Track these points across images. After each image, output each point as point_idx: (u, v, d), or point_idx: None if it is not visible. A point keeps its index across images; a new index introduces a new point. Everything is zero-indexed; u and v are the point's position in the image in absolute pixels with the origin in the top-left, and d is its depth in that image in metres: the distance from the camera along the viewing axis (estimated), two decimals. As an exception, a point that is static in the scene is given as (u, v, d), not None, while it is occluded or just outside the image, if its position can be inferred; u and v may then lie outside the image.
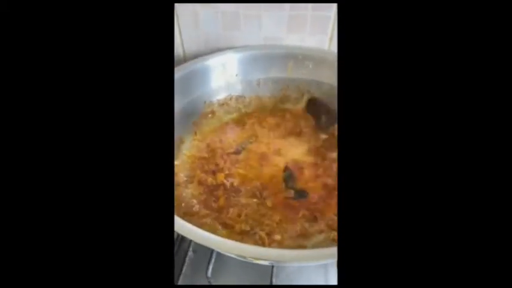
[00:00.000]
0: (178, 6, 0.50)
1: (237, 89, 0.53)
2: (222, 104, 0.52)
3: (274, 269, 0.36)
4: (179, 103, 0.46)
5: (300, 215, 0.38)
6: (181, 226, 0.29)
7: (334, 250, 0.28)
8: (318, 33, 0.51)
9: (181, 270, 0.38)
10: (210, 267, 0.37)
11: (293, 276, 0.38)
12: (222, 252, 0.29)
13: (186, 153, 0.46)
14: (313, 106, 0.52)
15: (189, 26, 0.52)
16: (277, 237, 0.36)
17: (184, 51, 0.55)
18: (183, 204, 0.39)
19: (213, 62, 0.50)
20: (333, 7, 0.48)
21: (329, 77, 0.50)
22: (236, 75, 0.52)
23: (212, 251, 0.37)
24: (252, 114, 0.53)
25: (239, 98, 0.53)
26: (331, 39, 0.52)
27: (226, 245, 0.29)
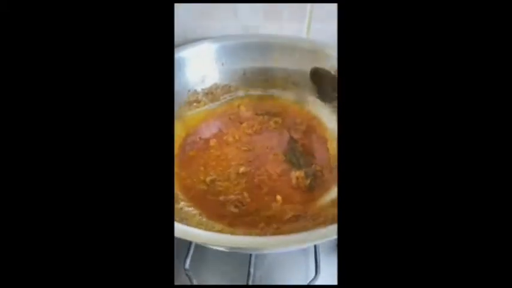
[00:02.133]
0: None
1: (220, 78, 0.52)
2: (206, 93, 0.51)
3: (253, 257, 0.36)
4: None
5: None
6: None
7: (311, 234, 0.28)
8: (296, 21, 0.51)
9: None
10: (188, 259, 0.36)
11: (273, 264, 0.38)
12: (201, 243, 0.28)
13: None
14: (317, 76, 0.49)
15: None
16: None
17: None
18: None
19: (191, 53, 0.49)
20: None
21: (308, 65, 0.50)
22: (222, 64, 0.51)
23: (190, 242, 0.37)
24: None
25: (224, 87, 0.52)
26: (308, 27, 0.51)
27: (204, 236, 0.28)
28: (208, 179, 0.42)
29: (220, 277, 0.37)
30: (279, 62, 0.51)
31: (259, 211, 0.38)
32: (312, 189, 0.40)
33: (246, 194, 0.40)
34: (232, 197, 0.40)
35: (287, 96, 0.52)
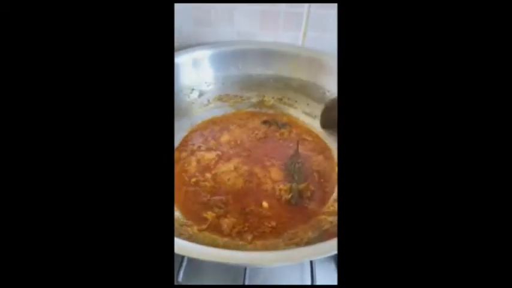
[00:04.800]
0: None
1: (215, 87, 0.52)
2: (216, 97, 0.51)
3: (248, 270, 0.35)
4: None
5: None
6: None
7: (306, 250, 0.28)
8: (291, 29, 0.50)
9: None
10: (181, 272, 0.35)
11: (268, 276, 0.37)
12: (194, 257, 0.28)
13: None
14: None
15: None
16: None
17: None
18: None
19: (184, 59, 0.48)
20: (305, 4, 0.47)
21: (303, 73, 0.50)
22: (239, 68, 0.51)
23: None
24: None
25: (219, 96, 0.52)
26: (304, 35, 0.51)
27: (197, 250, 0.28)
28: (193, 180, 0.42)
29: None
30: (292, 72, 0.51)
31: (242, 213, 0.38)
32: (290, 204, 0.40)
33: (230, 196, 0.40)
34: (216, 197, 0.40)
35: (298, 107, 0.52)
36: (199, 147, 0.46)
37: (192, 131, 0.49)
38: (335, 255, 0.32)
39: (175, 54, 0.48)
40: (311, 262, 0.36)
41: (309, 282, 0.35)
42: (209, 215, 0.38)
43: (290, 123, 0.50)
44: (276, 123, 0.50)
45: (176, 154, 0.45)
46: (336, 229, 0.37)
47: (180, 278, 0.35)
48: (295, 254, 0.28)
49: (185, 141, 0.47)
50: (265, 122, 0.50)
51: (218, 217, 0.38)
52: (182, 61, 0.48)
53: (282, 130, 0.49)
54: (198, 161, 0.44)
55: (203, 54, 0.49)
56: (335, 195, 0.41)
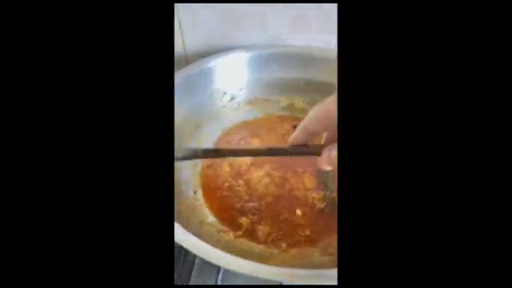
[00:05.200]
0: (178, 6, 0.48)
1: (247, 90, 0.52)
2: (247, 101, 0.52)
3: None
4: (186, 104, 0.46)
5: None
6: (185, 239, 0.29)
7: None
8: (324, 33, 0.50)
9: (188, 279, 0.38)
10: (220, 276, 0.36)
11: None
12: (228, 268, 0.28)
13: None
14: None
15: (189, 26, 0.50)
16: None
17: (185, 51, 0.54)
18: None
19: (218, 63, 0.48)
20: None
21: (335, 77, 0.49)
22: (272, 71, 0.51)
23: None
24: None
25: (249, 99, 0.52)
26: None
27: (231, 262, 0.28)
28: (226, 184, 0.42)
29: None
30: (323, 75, 0.50)
31: (276, 221, 0.39)
32: (324, 213, 0.40)
33: (263, 202, 0.40)
34: (249, 204, 0.40)
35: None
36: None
37: (223, 135, 0.49)
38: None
39: (208, 57, 0.48)
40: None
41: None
42: (244, 221, 0.39)
43: (321, 128, 0.50)
44: (307, 128, 0.50)
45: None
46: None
47: (219, 280, 0.36)
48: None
49: (216, 145, 0.48)
50: (295, 127, 0.50)
51: (253, 223, 0.39)
52: (215, 65, 0.48)
53: (313, 135, 0.49)
54: (231, 166, 0.45)
55: (237, 58, 0.49)
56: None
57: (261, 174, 0.44)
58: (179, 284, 0.37)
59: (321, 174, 0.44)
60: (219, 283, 0.36)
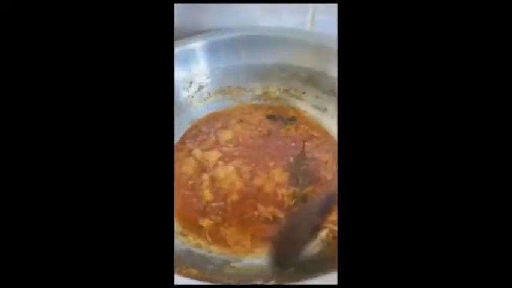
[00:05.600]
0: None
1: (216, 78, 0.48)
2: (215, 90, 0.48)
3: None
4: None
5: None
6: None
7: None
8: (298, 13, 0.45)
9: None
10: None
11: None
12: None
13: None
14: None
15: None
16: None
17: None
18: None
19: (181, 49, 0.44)
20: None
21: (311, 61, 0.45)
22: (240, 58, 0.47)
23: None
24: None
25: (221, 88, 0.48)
26: (312, 19, 0.46)
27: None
28: (190, 183, 0.39)
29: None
30: (299, 60, 0.46)
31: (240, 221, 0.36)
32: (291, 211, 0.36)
33: (229, 200, 0.37)
34: (214, 204, 0.37)
35: (306, 100, 0.47)
36: (199, 145, 0.43)
37: (192, 128, 0.46)
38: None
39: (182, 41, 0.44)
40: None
41: None
42: (206, 222, 0.36)
43: (297, 118, 0.46)
44: (282, 118, 0.46)
45: (176, 154, 0.43)
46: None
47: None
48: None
49: (184, 139, 0.45)
50: (269, 117, 0.47)
51: (216, 225, 0.36)
52: (178, 52, 0.44)
53: (288, 126, 0.45)
54: (198, 162, 0.42)
55: (200, 44, 0.45)
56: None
57: (228, 170, 0.40)
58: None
59: (292, 169, 0.40)
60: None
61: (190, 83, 0.47)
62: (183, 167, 0.41)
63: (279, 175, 0.40)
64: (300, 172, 0.40)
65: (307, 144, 0.43)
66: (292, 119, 0.46)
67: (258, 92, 0.49)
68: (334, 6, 0.43)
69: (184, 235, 0.35)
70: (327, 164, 0.41)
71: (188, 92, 0.47)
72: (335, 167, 0.40)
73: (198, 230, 0.36)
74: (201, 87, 0.47)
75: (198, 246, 0.35)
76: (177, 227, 0.36)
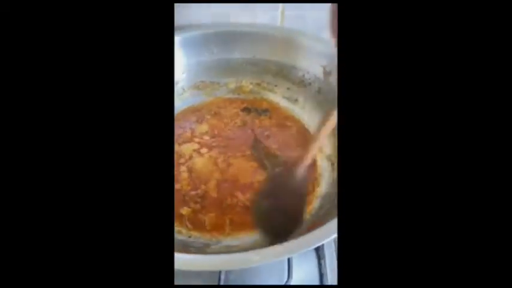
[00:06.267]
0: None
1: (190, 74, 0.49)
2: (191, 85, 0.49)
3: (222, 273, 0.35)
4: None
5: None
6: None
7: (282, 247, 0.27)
8: (269, 8, 0.47)
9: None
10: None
11: (244, 276, 0.37)
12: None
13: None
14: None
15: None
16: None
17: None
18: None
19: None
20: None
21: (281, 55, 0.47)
22: (213, 53, 0.48)
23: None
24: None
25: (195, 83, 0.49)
26: (282, 14, 0.48)
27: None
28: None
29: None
30: (269, 54, 0.48)
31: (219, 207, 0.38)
32: None
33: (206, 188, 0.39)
34: (192, 192, 0.39)
35: (278, 92, 0.49)
36: (176, 140, 0.44)
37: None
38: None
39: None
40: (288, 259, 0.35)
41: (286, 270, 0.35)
42: (185, 210, 0.37)
43: (270, 109, 0.48)
44: (256, 109, 0.48)
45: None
46: (314, 219, 0.36)
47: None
48: (270, 252, 0.27)
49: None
50: (244, 109, 0.48)
51: (195, 212, 0.37)
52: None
53: (262, 117, 0.47)
54: (176, 155, 0.43)
55: (176, 39, 0.46)
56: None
57: (205, 160, 0.42)
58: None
59: (255, 156, 0.42)
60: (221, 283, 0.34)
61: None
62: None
63: (249, 164, 0.42)
64: (262, 156, 0.42)
65: (281, 133, 0.45)
66: (266, 110, 0.48)
67: (232, 86, 0.51)
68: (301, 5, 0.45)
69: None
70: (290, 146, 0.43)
71: (163, 87, 0.48)
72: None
73: (179, 218, 0.37)
74: (176, 83, 0.48)
75: (179, 232, 0.36)
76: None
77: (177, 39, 0.46)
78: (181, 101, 0.49)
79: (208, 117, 0.47)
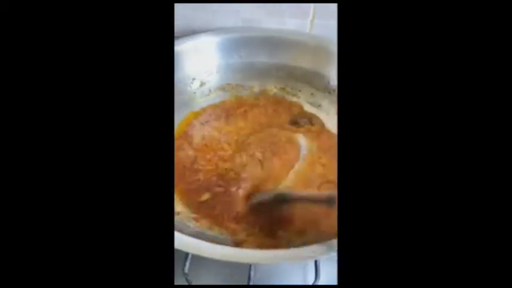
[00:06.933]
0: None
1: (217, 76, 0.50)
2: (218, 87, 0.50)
3: (252, 265, 0.36)
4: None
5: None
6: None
7: (309, 250, 0.28)
8: (299, 17, 0.49)
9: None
10: (188, 262, 0.36)
11: (273, 267, 0.38)
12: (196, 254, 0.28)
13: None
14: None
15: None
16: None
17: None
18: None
19: (185, 47, 0.47)
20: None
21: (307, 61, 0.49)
22: (240, 57, 0.49)
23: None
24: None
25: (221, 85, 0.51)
26: (312, 22, 0.49)
27: (199, 248, 0.28)
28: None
29: (221, 280, 0.37)
30: (295, 60, 0.49)
31: None
32: None
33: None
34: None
35: (301, 97, 0.50)
36: (203, 138, 0.45)
37: (194, 121, 0.48)
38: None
39: (176, 41, 0.46)
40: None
41: (313, 271, 0.36)
42: (206, 195, 0.38)
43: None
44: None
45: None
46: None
47: (187, 268, 0.35)
48: (299, 252, 0.28)
49: (188, 132, 0.46)
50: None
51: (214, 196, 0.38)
52: (183, 49, 0.47)
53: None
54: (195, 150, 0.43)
55: (206, 42, 0.48)
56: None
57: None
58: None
59: None
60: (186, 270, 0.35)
61: (193, 79, 0.49)
62: (185, 159, 0.43)
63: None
64: None
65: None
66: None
67: (256, 89, 0.52)
68: (333, 11, 0.47)
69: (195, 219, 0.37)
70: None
71: (191, 88, 0.49)
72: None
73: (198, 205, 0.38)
74: (202, 84, 0.50)
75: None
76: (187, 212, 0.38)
77: (211, 40, 0.48)
78: (207, 102, 0.50)
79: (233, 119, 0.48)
